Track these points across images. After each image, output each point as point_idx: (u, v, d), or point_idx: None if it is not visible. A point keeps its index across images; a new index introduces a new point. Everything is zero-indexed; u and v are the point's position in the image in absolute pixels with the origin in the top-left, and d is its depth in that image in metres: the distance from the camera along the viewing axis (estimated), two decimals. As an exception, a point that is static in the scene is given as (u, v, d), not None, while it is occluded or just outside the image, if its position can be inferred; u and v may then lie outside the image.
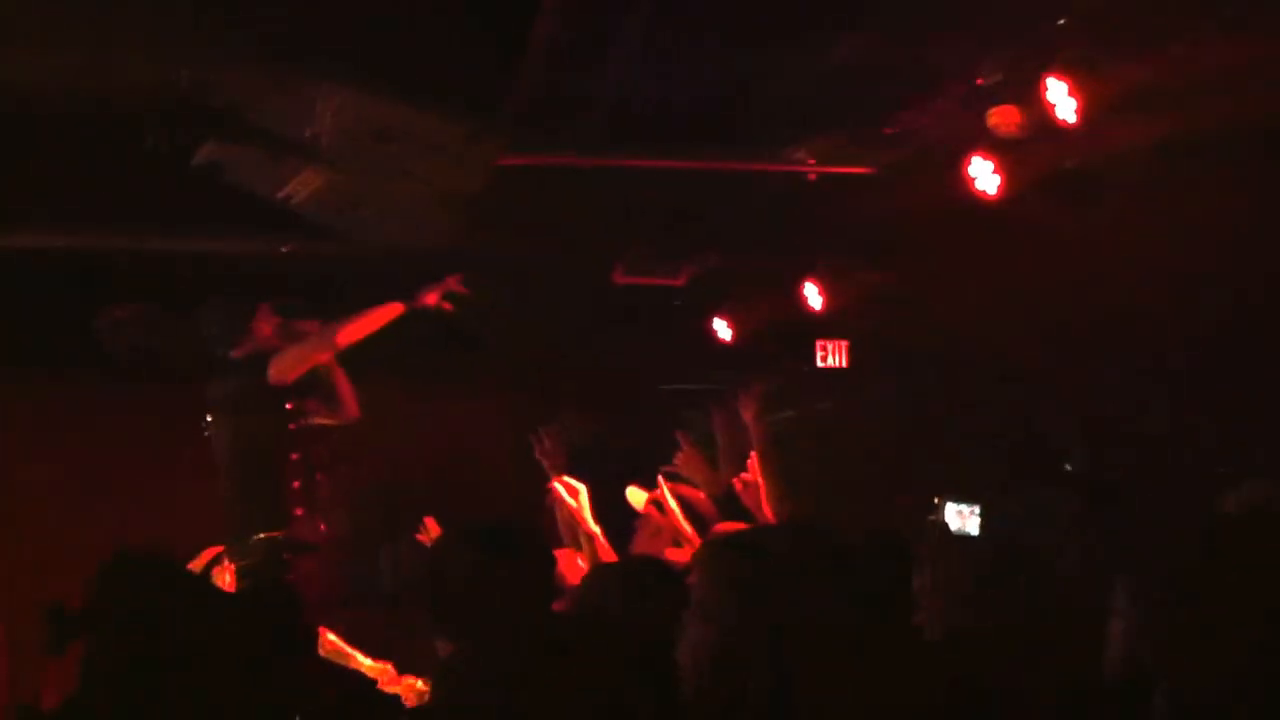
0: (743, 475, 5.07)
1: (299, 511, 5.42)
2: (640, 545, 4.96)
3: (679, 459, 5.60)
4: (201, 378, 5.74)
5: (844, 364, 6.95)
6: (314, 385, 5.61)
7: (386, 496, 7.44)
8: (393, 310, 5.46)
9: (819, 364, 6.95)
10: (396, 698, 3.51)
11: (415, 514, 7.19)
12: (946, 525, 4.65)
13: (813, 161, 5.54)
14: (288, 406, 5.49)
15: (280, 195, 4.98)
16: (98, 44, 4.38)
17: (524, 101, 4.88)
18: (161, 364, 6.69)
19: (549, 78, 4.75)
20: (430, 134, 4.88)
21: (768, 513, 5.08)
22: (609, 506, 5.37)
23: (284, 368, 5.36)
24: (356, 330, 5.47)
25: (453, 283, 5.54)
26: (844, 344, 6.93)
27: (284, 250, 5.94)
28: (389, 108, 4.69)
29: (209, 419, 5.49)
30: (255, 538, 5.28)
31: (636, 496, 5.18)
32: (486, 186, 5.29)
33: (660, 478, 5.07)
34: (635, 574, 3.43)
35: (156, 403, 7.07)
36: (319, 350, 5.43)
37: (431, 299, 5.50)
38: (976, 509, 4.83)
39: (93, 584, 2.51)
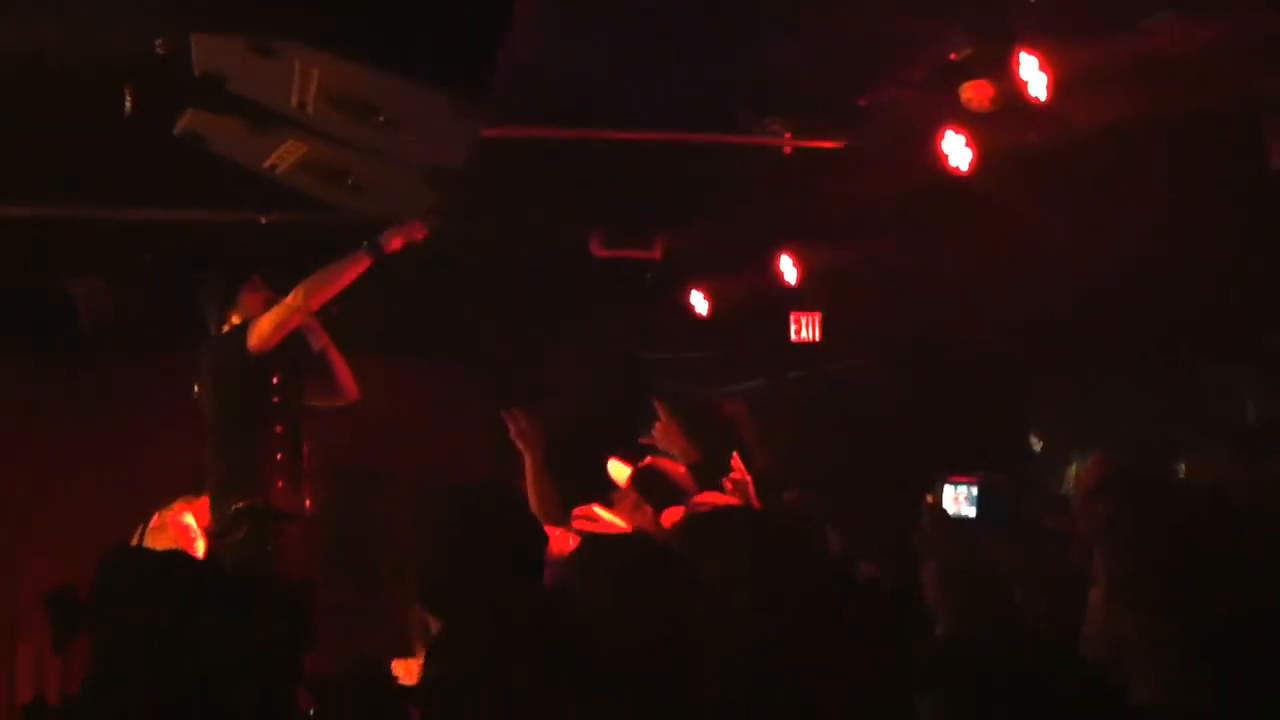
0: (732, 475, 5.07)
1: (280, 484, 5.41)
2: (620, 518, 4.98)
3: (656, 429, 5.63)
4: (174, 349, 5.78)
5: (817, 337, 7.02)
6: (311, 367, 5.63)
7: (368, 470, 7.48)
8: (359, 262, 5.43)
9: (794, 337, 7.02)
10: (393, 679, 3.52)
11: (395, 488, 7.26)
12: (944, 510, 4.66)
13: (788, 135, 5.58)
14: (274, 380, 5.48)
15: (262, 166, 4.99)
16: (68, 6, 4.37)
17: (504, 74, 4.91)
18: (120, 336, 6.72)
19: (529, 51, 4.77)
20: (412, 105, 4.89)
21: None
22: (587, 481, 5.41)
23: (261, 334, 5.37)
24: (325, 285, 5.43)
25: (416, 228, 5.52)
26: (818, 316, 6.99)
27: (262, 221, 5.93)
28: (372, 79, 4.70)
29: (196, 388, 5.51)
30: (234, 507, 5.28)
31: (618, 470, 5.20)
32: (467, 160, 5.32)
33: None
34: (629, 553, 3.38)
35: (123, 376, 7.10)
36: (292, 311, 5.41)
37: (396, 243, 5.47)
38: (974, 490, 4.81)
39: (96, 575, 2.51)
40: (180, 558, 2.69)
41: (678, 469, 5.21)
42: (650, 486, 5.02)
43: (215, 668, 2.34)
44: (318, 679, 2.82)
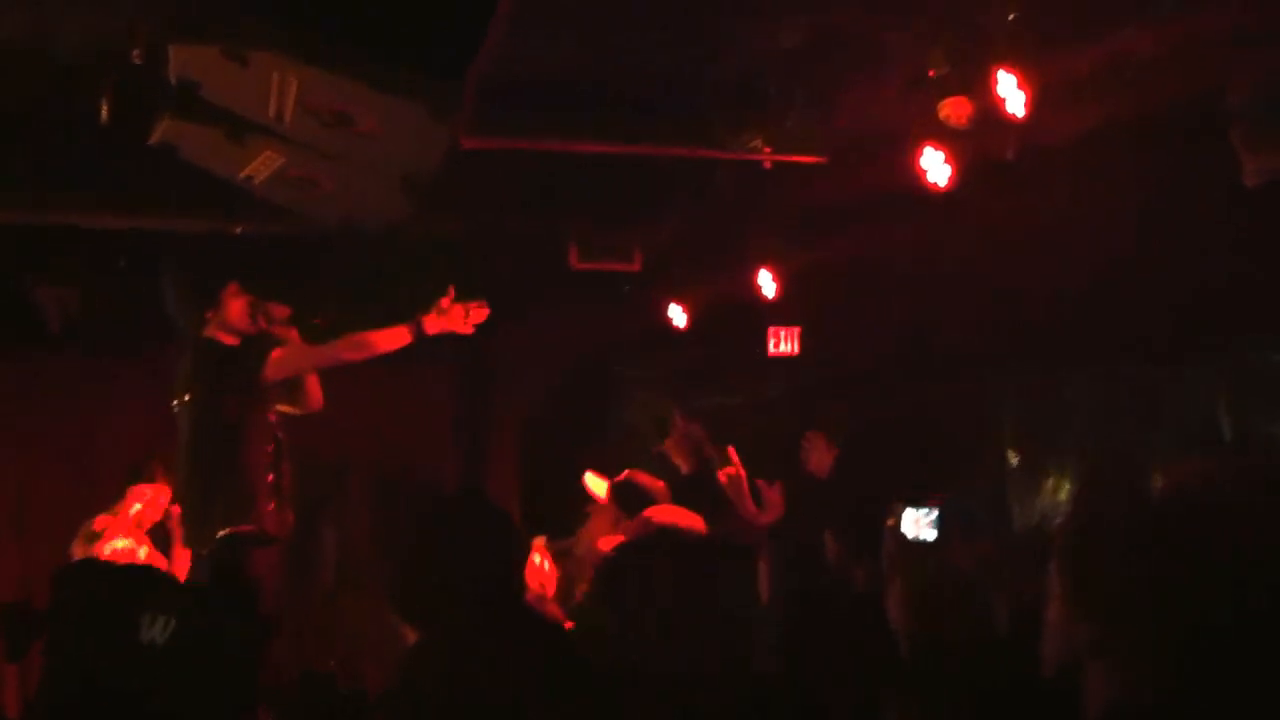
0: (726, 469, 5.07)
1: (270, 506, 5.29)
2: (597, 532, 4.95)
3: (670, 441, 5.61)
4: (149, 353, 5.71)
5: (796, 351, 7.02)
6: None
7: (334, 478, 7.43)
8: (400, 337, 5.38)
9: (771, 350, 7.02)
10: (357, 690, 3.49)
11: (361, 495, 7.23)
12: (904, 534, 4.68)
13: (768, 150, 5.58)
14: (269, 397, 5.39)
15: (238, 174, 4.96)
16: (49, 13, 4.35)
17: (481, 84, 4.90)
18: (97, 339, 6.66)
19: (506, 61, 4.77)
20: (388, 114, 4.88)
21: (748, 507, 5.11)
22: (565, 493, 5.39)
23: (284, 368, 5.28)
24: (363, 349, 5.38)
25: (455, 310, 5.45)
26: (797, 330, 6.99)
27: (238, 231, 5.90)
28: (348, 87, 4.68)
29: (186, 397, 5.34)
30: (220, 532, 5.13)
31: (595, 484, 5.18)
32: (442, 167, 5.30)
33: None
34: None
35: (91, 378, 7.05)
36: (323, 363, 5.37)
37: (436, 326, 5.42)
38: (934, 514, 4.86)
39: (52, 586, 2.49)
40: (137, 570, 2.65)
41: (656, 484, 5.19)
42: (629, 501, 4.99)
43: (170, 679, 2.32)
44: (276, 691, 2.80)
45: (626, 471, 5.22)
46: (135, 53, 4.31)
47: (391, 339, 5.33)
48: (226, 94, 4.56)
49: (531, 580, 4.34)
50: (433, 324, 5.34)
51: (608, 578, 2.60)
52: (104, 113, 4.52)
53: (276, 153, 4.84)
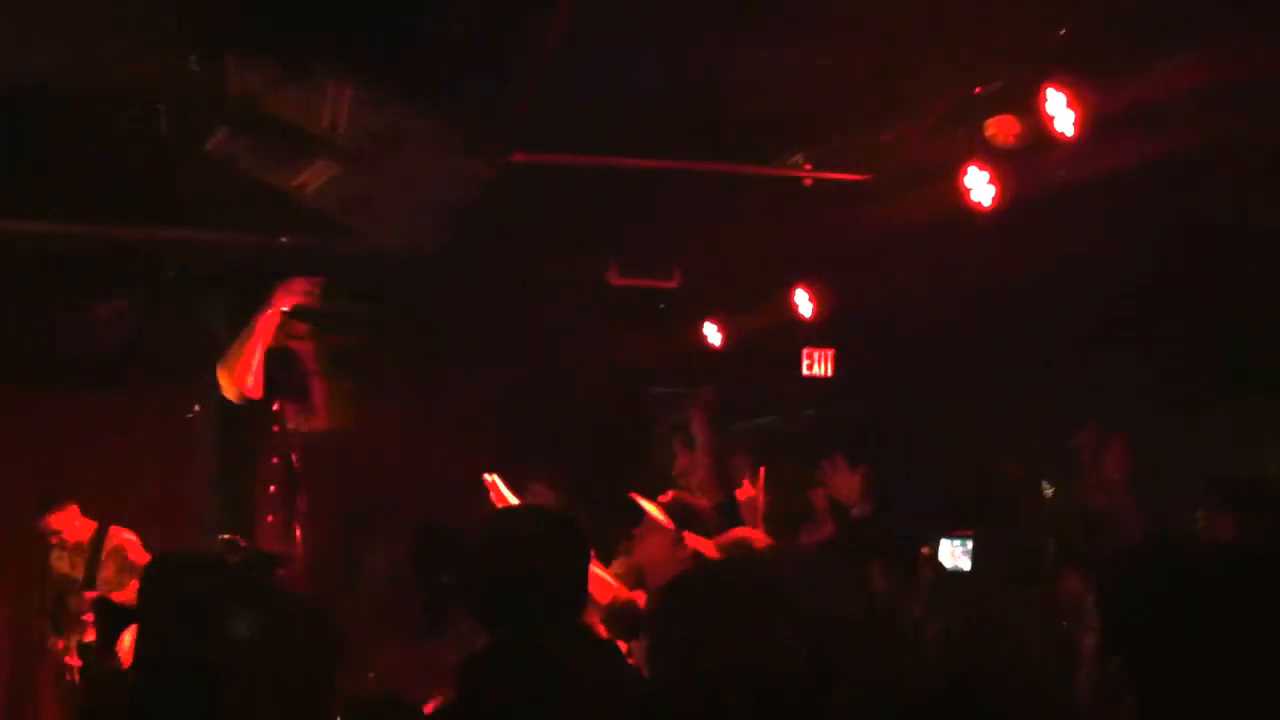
0: (744, 489, 5.03)
1: (270, 519, 5.33)
2: (654, 551, 4.90)
3: (678, 467, 5.57)
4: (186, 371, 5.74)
5: (829, 373, 7.01)
6: (291, 391, 5.57)
7: (360, 505, 7.42)
8: (270, 322, 5.35)
9: (805, 372, 7.00)
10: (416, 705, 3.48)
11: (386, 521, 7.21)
12: (940, 562, 4.65)
13: (809, 167, 5.59)
14: (274, 408, 5.43)
15: (290, 184, 4.99)
16: (103, 31, 4.40)
17: (530, 102, 4.93)
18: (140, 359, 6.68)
19: (555, 80, 4.80)
20: (437, 130, 4.91)
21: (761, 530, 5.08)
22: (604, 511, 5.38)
23: (231, 365, 5.30)
24: (236, 363, 5.34)
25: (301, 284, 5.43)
26: (830, 352, 6.98)
27: (282, 240, 5.93)
28: (399, 102, 4.72)
29: (196, 408, 5.42)
30: (219, 537, 5.20)
31: (649, 507, 5.17)
32: (486, 185, 5.33)
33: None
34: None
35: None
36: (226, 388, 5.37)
37: (285, 302, 5.39)
38: (969, 545, 4.84)
39: (141, 581, 2.54)
40: (224, 568, 2.69)
41: (701, 502, 5.17)
42: (687, 521, 4.96)
43: (252, 675, 2.35)
44: (348, 697, 2.82)
45: (671, 492, 5.19)
46: (193, 62, 4.36)
47: (254, 335, 5.25)
48: (282, 105, 4.60)
49: (600, 594, 4.32)
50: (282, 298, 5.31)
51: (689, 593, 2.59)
52: (163, 125, 4.56)
53: (328, 164, 4.88)
